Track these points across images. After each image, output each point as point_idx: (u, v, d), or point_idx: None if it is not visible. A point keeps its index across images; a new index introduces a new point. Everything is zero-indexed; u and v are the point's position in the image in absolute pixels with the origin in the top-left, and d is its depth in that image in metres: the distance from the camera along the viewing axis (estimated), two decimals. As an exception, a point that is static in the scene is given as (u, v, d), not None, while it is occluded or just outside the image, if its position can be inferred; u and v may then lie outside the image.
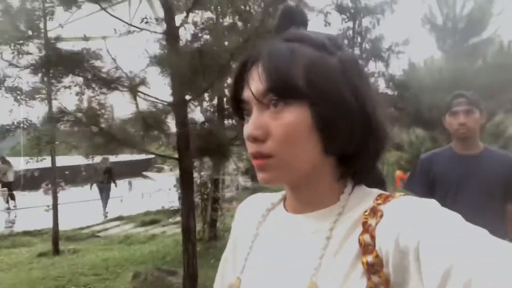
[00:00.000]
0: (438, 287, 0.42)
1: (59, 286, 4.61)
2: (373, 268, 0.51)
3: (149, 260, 5.45)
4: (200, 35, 3.80)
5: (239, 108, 0.60)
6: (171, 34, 3.17)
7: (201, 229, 5.94)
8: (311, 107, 0.54)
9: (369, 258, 0.51)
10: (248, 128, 0.56)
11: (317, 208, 0.60)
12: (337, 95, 0.55)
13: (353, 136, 0.56)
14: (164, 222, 8.84)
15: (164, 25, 3.18)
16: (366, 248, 0.52)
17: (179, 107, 3.30)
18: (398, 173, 8.79)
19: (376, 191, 0.59)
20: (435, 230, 0.46)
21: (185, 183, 3.54)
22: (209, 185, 6.03)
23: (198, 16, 3.74)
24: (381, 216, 0.53)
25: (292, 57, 0.55)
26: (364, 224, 0.54)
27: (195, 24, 3.84)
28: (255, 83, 0.56)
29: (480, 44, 6.98)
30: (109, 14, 3.15)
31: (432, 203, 0.51)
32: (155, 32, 3.29)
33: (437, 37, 7.33)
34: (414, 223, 0.48)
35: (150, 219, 9.06)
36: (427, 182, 2.07)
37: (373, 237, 0.52)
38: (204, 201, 6.01)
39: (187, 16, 3.23)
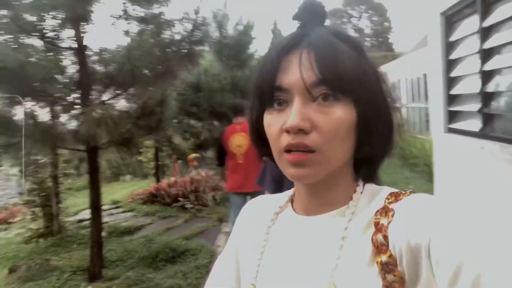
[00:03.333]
0: (450, 283, 0.44)
1: None
2: (388, 268, 0.51)
3: (1, 261, 5.54)
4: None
5: (266, 95, 0.56)
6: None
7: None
8: (356, 105, 0.54)
9: (383, 258, 0.51)
10: (294, 119, 0.52)
11: (330, 208, 0.60)
12: (376, 97, 0.56)
13: (384, 139, 0.58)
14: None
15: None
16: (380, 248, 0.52)
17: None
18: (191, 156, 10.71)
19: (387, 189, 0.60)
20: (446, 227, 0.47)
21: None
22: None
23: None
24: (393, 215, 0.53)
25: (339, 50, 0.54)
26: (377, 224, 0.54)
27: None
28: (306, 72, 0.53)
29: (247, 58, 9.87)
30: None
31: (442, 199, 0.52)
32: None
33: (216, 50, 9.73)
34: (425, 220, 0.49)
35: None
36: (278, 176, 2.02)
37: (386, 237, 0.52)
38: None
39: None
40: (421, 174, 8.25)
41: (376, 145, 0.58)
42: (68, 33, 4.14)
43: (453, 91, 3.63)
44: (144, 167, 13.22)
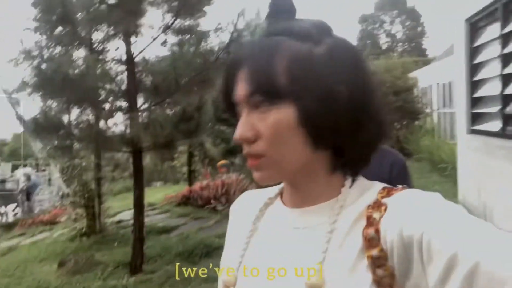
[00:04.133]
0: (441, 278, 0.44)
1: None
2: (378, 262, 0.51)
3: (50, 257, 6.01)
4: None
5: (234, 110, 0.59)
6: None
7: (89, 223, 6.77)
8: (295, 104, 0.54)
9: (374, 252, 0.52)
10: (238, 130, 0.56)
11: (316, 202, 0.60)
12: (322, 88, 0.54)
13: (341, 129, 0.55)
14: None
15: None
16: (371, 242, 0.52)
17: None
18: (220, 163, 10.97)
19: (379, 184, 0.60)
20: (438, 221, 0.47)
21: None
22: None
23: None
24: (385, 209, 0.53)
25: (274, 55, 0.54)
26: (369, 218, 0.54)
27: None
28: (242, 85, 0.56)
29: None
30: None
31: (436, 195, 0.52)
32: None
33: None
34: (417, 215, 0.49)
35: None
36: None
37: (377, 231, 0.52)
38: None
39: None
40: (449, 178, 8.23)
41: (336, 137, 0.56)
42: (116, 45, 4.57)
43: (476, 94, 3.77)
44: (177, 172, 13.68)
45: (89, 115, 4.42)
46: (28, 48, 4.27)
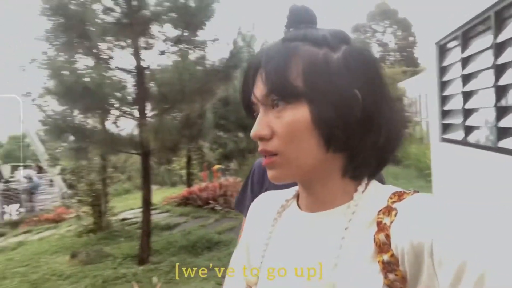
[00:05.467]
0: (452, 283, 0.44)
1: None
2: (390, 267, 0.52)
3: (60, 250, 6.47)
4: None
5: (252, 111, 0.62)
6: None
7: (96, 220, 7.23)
8: (310, 105, 0.56)
9: (385, 257, 0.52)
10: (254, 128, 0.58)
11: (330, 206, 0.61)
12: (336, 92, 0.55)
13: (353, 132, 0.57)
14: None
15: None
16: (382, 247, 0.52)
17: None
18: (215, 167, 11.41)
19: (390, 188, 0.60)
20: (449, 226, 0.47)
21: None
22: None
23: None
24: (396, 214, 0.53)
25: (290, 57, 0.57)
26: (379, 223, 0.54)
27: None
28: (259, 86, 0.59)
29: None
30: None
31: (446, 199, 0.52)
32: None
33: (244, 68, 10.78)
34: (428, 220, 0.49)
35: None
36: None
37: (388, 236, 0.52)
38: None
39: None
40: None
41: (348, 141, 0.57)
42: (126, 57, 5.09)
43: (445, 108, 4.35)
44: (174, 175, 14.12)
45: (103, 120, 4.93)
46: (46, 57, 4.78)
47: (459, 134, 3.89)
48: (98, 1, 4.28)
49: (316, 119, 0.56)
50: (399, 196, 0.56)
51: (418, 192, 0.56)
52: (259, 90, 0.59)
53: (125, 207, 9.38)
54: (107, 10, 4.34)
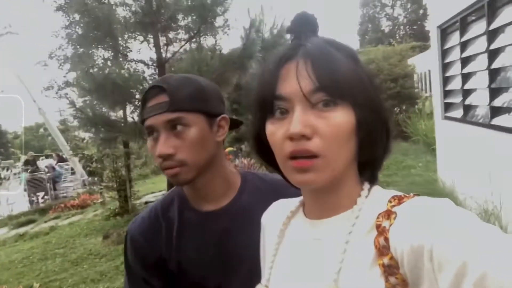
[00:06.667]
0: (452, 285, 0.44)
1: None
2: (390, 270, 0.52)
3: (92, 232, 7.00)
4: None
5: (267, 105, 0.58)
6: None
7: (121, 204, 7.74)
8: (354, 108, 0.56)
9: (385, 260, 0.52)
10: (296, 125, 0.54)
11: (336, 212, 0.61)
12: (373, 101, 0.58)
13: (382, 141, 0.60)
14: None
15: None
16: (382, 250, 0.53)
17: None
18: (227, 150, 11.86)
19: (391, 193, 0.60)
20: (448, 230, 0.47)
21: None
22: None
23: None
24: (395, 218, 0.54)
25: (338, 57, 0.57)
26: (378, 227, 0.55)
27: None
28: (304, 80, 0.55)
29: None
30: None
31: (446, 202, 0.52)
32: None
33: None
34: (427, 223, 0.49)
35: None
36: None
37: (387, 239, 0.53)
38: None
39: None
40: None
41: (377, 148, 0.59)
42: (148, 51, 5.45)
43: (447, 88, 4.65)
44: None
45: (129, 112, 5.33)
46: (71, 54, 5.17)
47: (458, 113, 4.20)
48: (123, 4, 4.61)
49: (359, 123, 0.56)
50: (399, 199, 0.56)
51: (418, 195, 0.56)
52: (304, 85, 0.55)
53: (146, 191, 9.89)
54: (130, 10, 4.68)
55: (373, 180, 0.64)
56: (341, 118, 0.55)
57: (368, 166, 0.62)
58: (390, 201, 0.57)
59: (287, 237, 0.69)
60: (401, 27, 39.96)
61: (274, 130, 0.58)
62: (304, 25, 0.61)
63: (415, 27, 38.62)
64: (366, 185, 0.62)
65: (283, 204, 0.75)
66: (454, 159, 4.46)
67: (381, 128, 0.59)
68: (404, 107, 13.16)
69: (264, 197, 0.84)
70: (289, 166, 0.57)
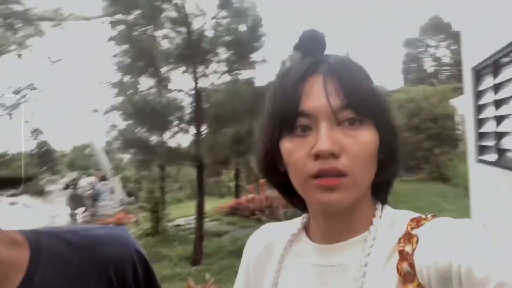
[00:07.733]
0: None
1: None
2: None
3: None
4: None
5: (288, 122, 0.55)
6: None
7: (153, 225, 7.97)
8: (377, 127, 0.55)
9: (410, 287, 0.50)
10: (324, 142, 0.52)
11: (350, 235, 0.58)
12: (392, 121, 0.58)
13: (398, 162, 0.59)
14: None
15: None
16: (406, 276, 0.51)
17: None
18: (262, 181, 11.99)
19: (407, 213, 0.59)
20: (474, 250, 0.46)
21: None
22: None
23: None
24: (417, 241, 0.52)
25: (364, 76, 0.56)
26: (401, 252, 0.53)
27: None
28: (331, 96, 0.53)
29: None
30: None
31: (466, 221, 0.51)
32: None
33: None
34: (451, 245, 0.48)
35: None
36: None
37: (412, 265, 0.51)
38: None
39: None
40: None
41: (396, 168, 0.59)
42: (186, 81, 5.78)
43: (481, 130, 4.56)
44: (222, 187, 14.79)
45: (165, 137, 5.64)
46: (117, 81, 5.59)
47: (492, 156, 4.09)
48: (167, 37, 5.00)
49: (382, 142, 0.56)
50: (418, 222, 0.55)
51: (435, 216, 0.55)
52: (334, 101, 0.53)
53: (178, 215, 10.11)
54: (172, 43, 5.05)
55: (385, 201, 0.62)
56: (369, 137, 0.54)
57: (383, 186, 0.61)
58: (409, 224, 0.55)
59: (290, 263, 0.64)
60: (446, 68, 39.19)
61: (294, 149, 0.55)
62: (315, 43, 0.60)
63: (460, 68, 37.60)
64: (379, 205, 0.61)
65: (275, 227, 0.72)
66: (488, 204, 4.33)
67: (399, 149, 0.59)
68: (444, 149, 12.78)
69: (74, 265, 0.62)
70: (312, 185, 0.54)
